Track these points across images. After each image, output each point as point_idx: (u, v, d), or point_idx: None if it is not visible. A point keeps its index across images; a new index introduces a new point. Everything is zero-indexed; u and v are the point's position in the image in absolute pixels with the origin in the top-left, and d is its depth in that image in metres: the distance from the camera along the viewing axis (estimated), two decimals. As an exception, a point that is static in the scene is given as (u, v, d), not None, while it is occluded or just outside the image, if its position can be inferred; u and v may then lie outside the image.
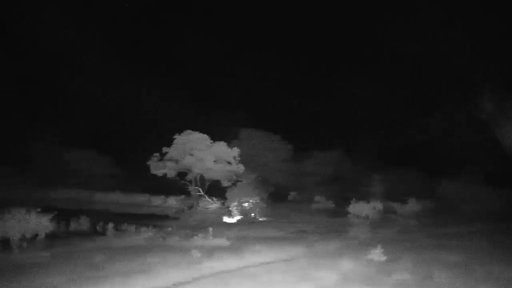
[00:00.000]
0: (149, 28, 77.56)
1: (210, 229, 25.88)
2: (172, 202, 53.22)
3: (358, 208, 35.97)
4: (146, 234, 24.39)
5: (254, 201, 38.00)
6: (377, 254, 17.98)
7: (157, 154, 32.68)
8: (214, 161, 32.76)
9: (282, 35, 77.39)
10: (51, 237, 20.37)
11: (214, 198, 41.68)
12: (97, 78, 68.52)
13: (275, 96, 68.40)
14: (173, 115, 60.88)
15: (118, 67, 65.09)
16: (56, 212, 20.47)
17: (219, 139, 35.38)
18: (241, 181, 38.06)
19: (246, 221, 34.96)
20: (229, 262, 17.83)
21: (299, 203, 46.18)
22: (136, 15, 73.87)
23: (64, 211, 24.75)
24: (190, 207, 34.72)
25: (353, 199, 37.00)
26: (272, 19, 77.24)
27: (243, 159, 39.75)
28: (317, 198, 45.52)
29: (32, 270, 15.80)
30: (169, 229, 29.34)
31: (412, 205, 39.21)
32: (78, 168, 67.01)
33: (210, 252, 19.37)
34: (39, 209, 19.49)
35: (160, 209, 52.79)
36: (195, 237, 23.99)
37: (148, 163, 33.08)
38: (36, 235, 19.40)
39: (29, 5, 62.56)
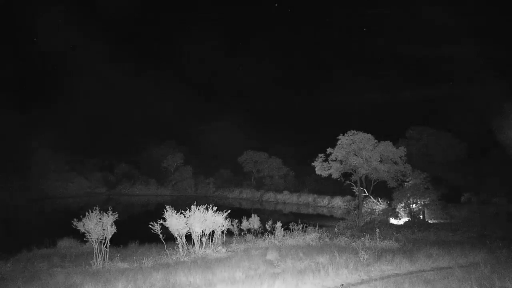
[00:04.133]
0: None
1: (377, 230, 25.35)
2: (338, 202, 53.51)
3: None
4: (313, 233, 24.96)
5: (422, 202, 36.02)
6: None
7: (322, 155, 33.09)
8: (380, 161, 31.86)
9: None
10: (226, 234, 22.08)
11: (380, 199, 40.61)
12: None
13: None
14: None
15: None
16: (229, 211, 22.03)
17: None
18: (408, 181, 36.39)
19: (415, 223, 33.32)
20: (400, 265, 17.25)
21: (475, 205, 42.27)
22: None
23: (236, 210, 26.57)
24: (356, 208, 34.38)
25: None
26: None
27: (412, 158, 37.94)
28: (495, 199, 41.09)
29: (213, 263, 17.47)
30: (336, 229, 29.56)
31: None
32: (250, 169, 71.93)
33: (379, 254, 18.98)
34: (215, 208, 21.22)
35: (326, 209, 53.58)
36: (362, 238, 23.77)
37: (313, 164, 33.69)
38: (213, 231, 21.18)
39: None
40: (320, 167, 32.96)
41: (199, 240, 20.53)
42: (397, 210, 36.56)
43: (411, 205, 36.05)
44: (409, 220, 35.51)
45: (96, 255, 17.87)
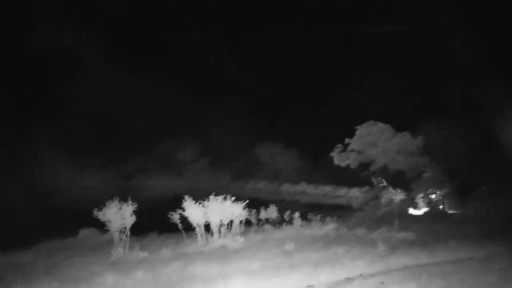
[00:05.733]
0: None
1: (396, 221, 25.18)
2: (356, 193, 53.15)
3: None
4: (331, 224, 24.89)
5: (442, 193, 35.60)
6: None
7: (339, 145, 33.03)
8: (398, 152, 31.65)
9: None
10: (245, 224, 22.17)
11: (398, 190, 40.28)
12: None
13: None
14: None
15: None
16: (247, 201, 22.07)
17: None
18: (426, 172, 36.00)
19: (434, 214, 33.00)
20: (418, 257, 17.11)
21: (497, 196, 41.58)
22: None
23: (254, 201, 26.52)
24: (374, 199, 34.19)
25: None
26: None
27: (430, 149, 37.46)
28: (517, 190, 40.26)
29: (230, 253, 17.60)
30: (354, 220, 29.45)
31: None
32: (267, 161, 71.69)
33: (397, 245, 18.86)
34: (233, 198, 21.30)
35: (344, 199, 53.31)
36: (379, 229, 23.60)
37: (331, 154, 33.64)
38: (231, 221, 21.28)
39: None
40: (338, 157, 32.94)
41: (217, 230, 20.68)
42: (416, 200, 36.23)
43: (430, 196, 35.69)
44: (428, 210, 35.17)
45: (116, 244, 18.14)
